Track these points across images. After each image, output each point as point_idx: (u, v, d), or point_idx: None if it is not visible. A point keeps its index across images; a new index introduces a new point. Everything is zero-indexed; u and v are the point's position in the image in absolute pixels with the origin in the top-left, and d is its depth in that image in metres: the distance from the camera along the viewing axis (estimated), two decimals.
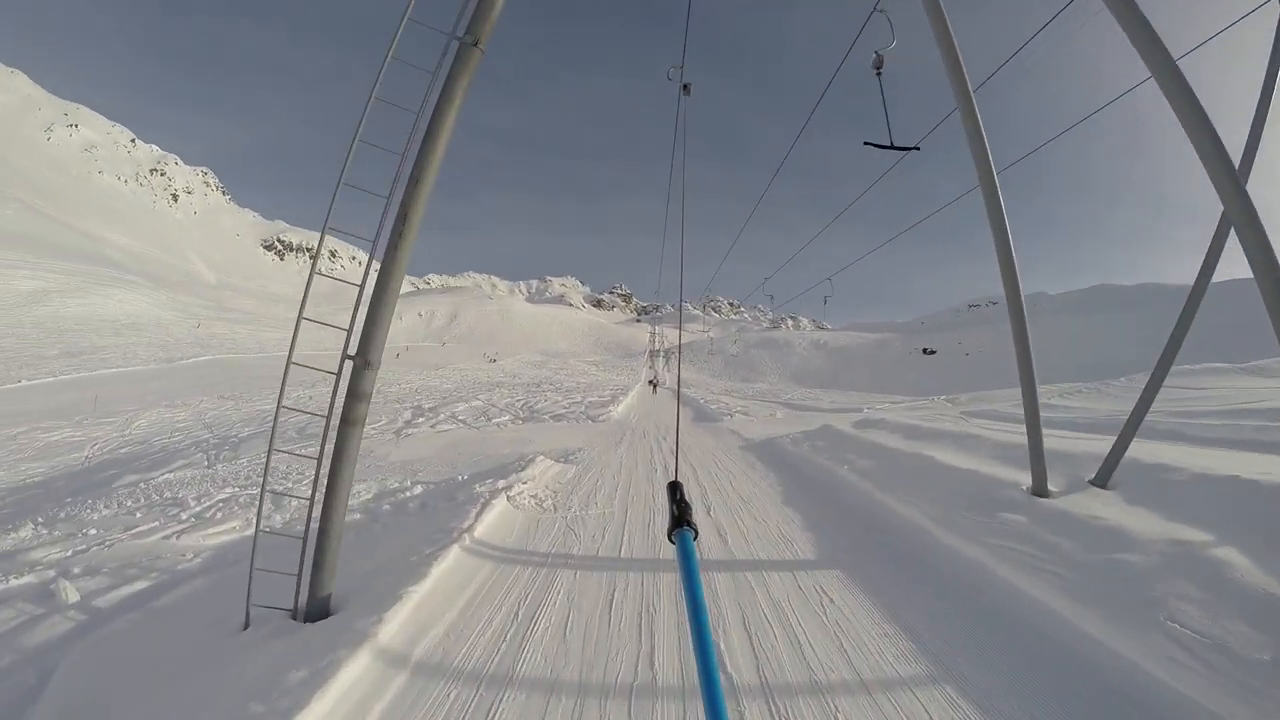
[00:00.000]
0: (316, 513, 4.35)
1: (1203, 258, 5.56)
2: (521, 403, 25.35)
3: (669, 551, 5.58)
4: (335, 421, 4.42)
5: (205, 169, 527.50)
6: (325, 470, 4.35)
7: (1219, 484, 5.16)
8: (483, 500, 7.03)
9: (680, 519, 1.64)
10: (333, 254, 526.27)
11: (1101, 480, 6.03)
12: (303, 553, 4.30)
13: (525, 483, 8.30)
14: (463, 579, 5.03)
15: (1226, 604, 3.65)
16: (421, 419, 18.23)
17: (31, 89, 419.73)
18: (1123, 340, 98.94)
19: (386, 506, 7.37)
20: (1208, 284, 5.63)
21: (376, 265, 4.53)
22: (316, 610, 4.27)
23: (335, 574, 4.37)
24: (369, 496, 7.92)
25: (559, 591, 4.86)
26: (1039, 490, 5.99)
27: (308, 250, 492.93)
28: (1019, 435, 9.19)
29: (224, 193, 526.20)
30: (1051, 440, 8.29)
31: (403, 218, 4.41)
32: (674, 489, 1.78)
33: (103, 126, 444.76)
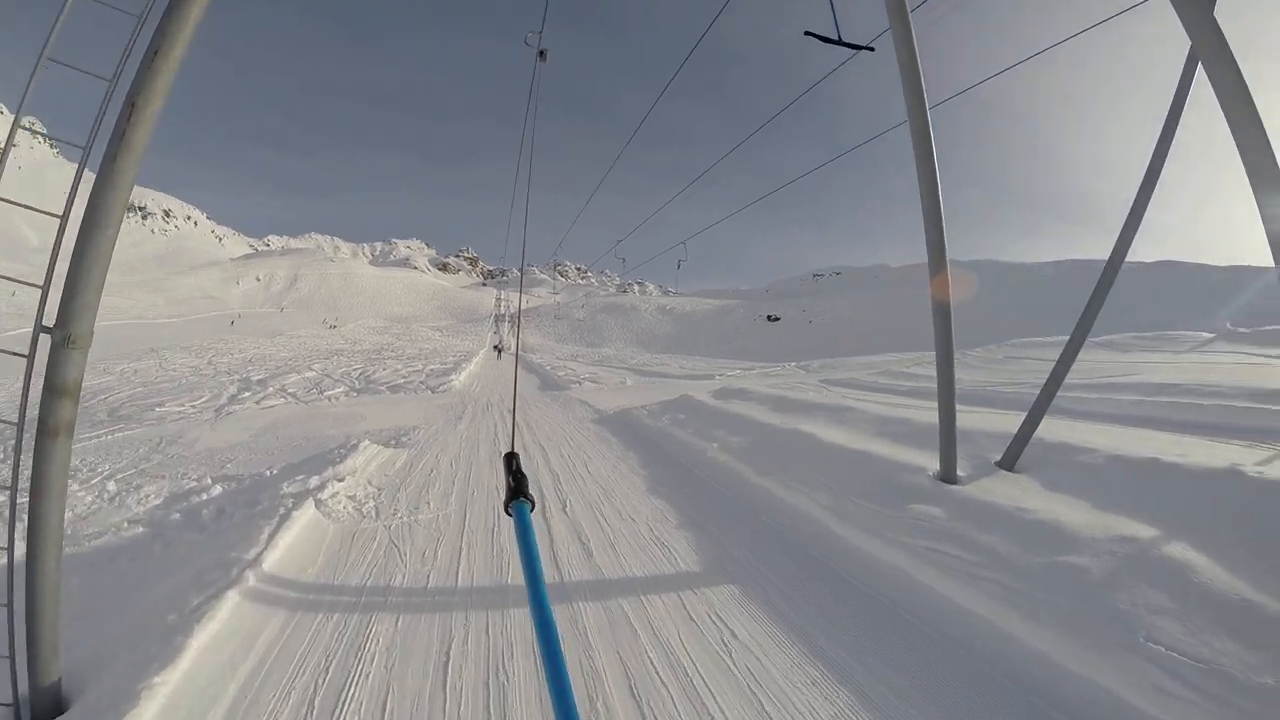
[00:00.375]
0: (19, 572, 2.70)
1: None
2: (359, 372, 23.23)
3: (519, 572, 4.41)
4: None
5: (32, 118, 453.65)
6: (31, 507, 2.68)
7: (1139, 467, 4.59)
8: (282, 512, 5.26)
9: (517, 490, 1.59)
10: (167, 213, 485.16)
11: (1009, 463, 5.32)
12: (10, 624, 2.69)
13: (343, 479, 6.61)
14: (236, 649, 3.33)
15: (1204, 616, 2.99)
16: (248, 394, 15.96)
17: None
18: (960, 312, 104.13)
19: (176, 515, 5.48)
20: (1121, 261, 5.06)
21: (89, 192, 2.82)
22: (44, 706, 2.79)
23: (59, 651, 2.81)
24: (158, 502, 5.96)
25: (373, 656, 3.33)
26: (947, 476, 5.14)
27: (140, 209, 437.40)
28: (898, 408, 8.63)
29: (52, 146, 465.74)
30: (928, 415, 7.69)
31: (131, 108, 2.80)
32: (510, 460, 1.73)
33: None
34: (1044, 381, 5.43)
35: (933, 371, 13.79)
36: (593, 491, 6.74)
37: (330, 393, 16.92)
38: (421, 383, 20.11)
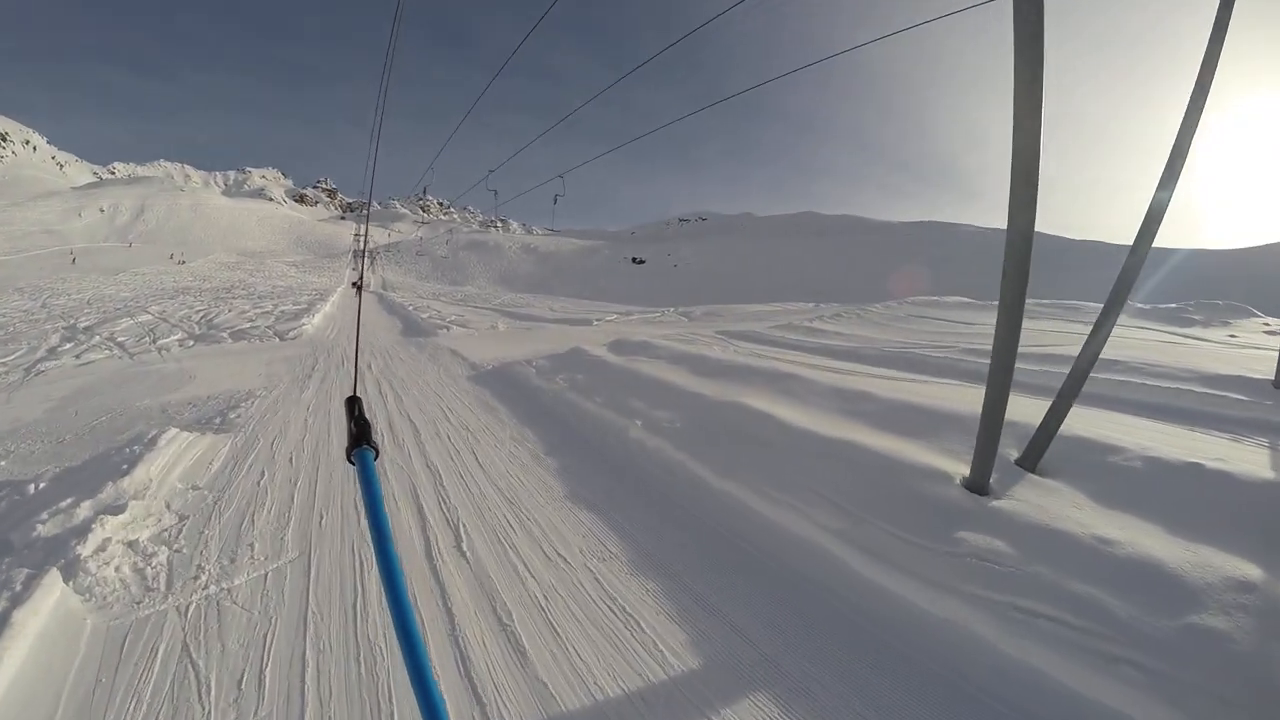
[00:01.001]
0: None
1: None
2: (201, 315, 20.22)
3: None
4: None
5: None
6: None
7: (1183, 474, 3.64)
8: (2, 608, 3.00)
9: (360, 437, 1.46)
10: (2, 137, 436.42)
11: (1031, 463, 4.10)
12: None
13: (123, 509, 4.28)
14: None
15: None
16: (69, 345, 13.58)
17: None
18: (825, 265, 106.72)
19: None
20: (1146, 250, 4.15)
21: None
22: None
23: None
24: None
25: None
26: (978, 485, 3.83)
27: None
28: (847, 377, 7.23)
29: None
30: (882, 385, 6.46)
31: None
32: (352, 404, 1.60)
33: None
34: (963, 347, 4.23)
35: (846, 328, 12.89)
36: (490, 494, 5.04)
37: (164, 341, 14.57)
38: (269, 327, 17.44)
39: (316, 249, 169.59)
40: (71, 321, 17.89)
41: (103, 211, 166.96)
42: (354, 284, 58.05)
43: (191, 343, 14.54)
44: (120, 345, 13.79)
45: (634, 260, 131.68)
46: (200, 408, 7.93)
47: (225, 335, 15.72)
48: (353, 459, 1.43)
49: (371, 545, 1.29)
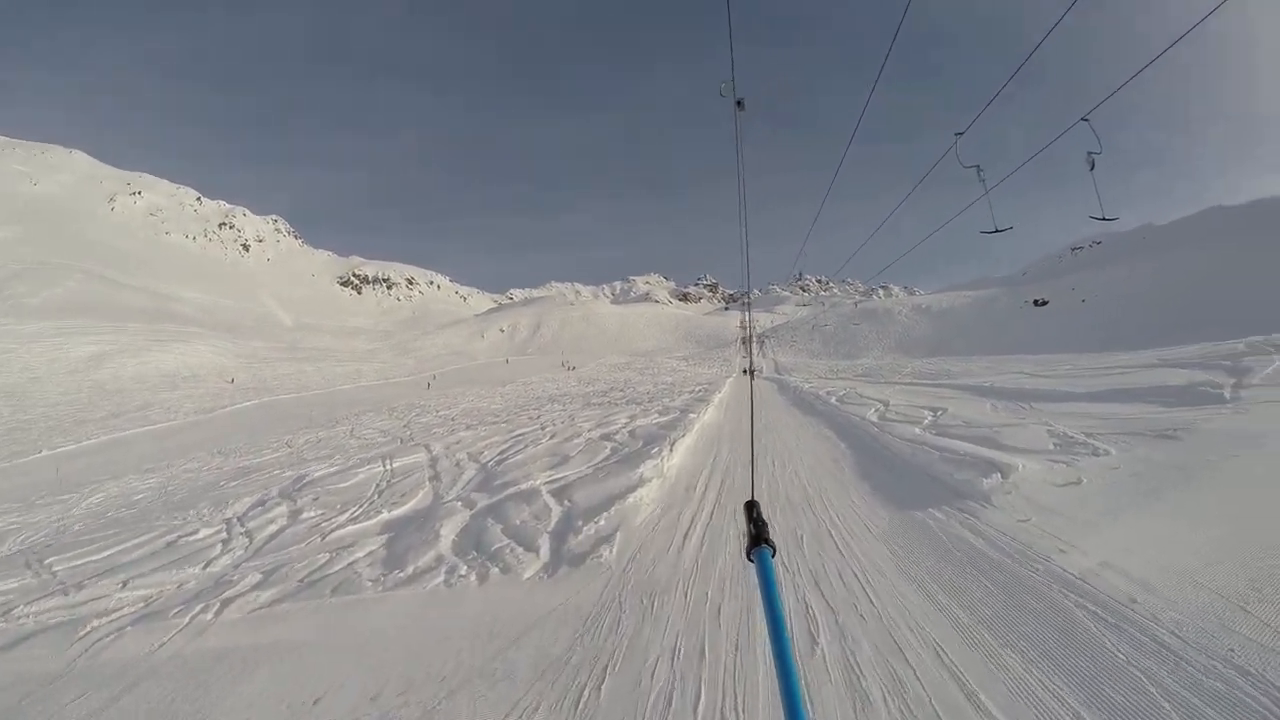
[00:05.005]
0: None
1: None
2: (556, 430, 15.39)
3: None
4: None
5: (275, 216, 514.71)
6: None
7: None
8: None
9: (758, 537, 1.59)
10: (409, 281, 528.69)
11: None
12: None
13: None
14: None
15: None
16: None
17: (92, 166, 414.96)
18: (1257, 274, 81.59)
19: None
20: None
21: None
22: None
23: None
24: None
25: None
26: None
27: (384, 281, 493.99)
28: None
29: (296, 237, 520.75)
30: None
31: None
32: (751, 508, 1.74)
33: (166, 190, 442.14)
34: None
35: None
36: None
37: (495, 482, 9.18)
38: (639, 440, 12.77)
39: (705, 341, 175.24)
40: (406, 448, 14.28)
41: (503, 331, 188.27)
42: (745, 370, 55.41)
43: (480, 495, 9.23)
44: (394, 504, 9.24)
45: (1036, 303, 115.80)
46: None
47: (575, 457, 10.63)
48: (751, 557, 1.55)
49: (769, 638, 1.27)
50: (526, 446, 12.78)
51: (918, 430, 11.03)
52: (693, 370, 70.91)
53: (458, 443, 14.32)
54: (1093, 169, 9.60)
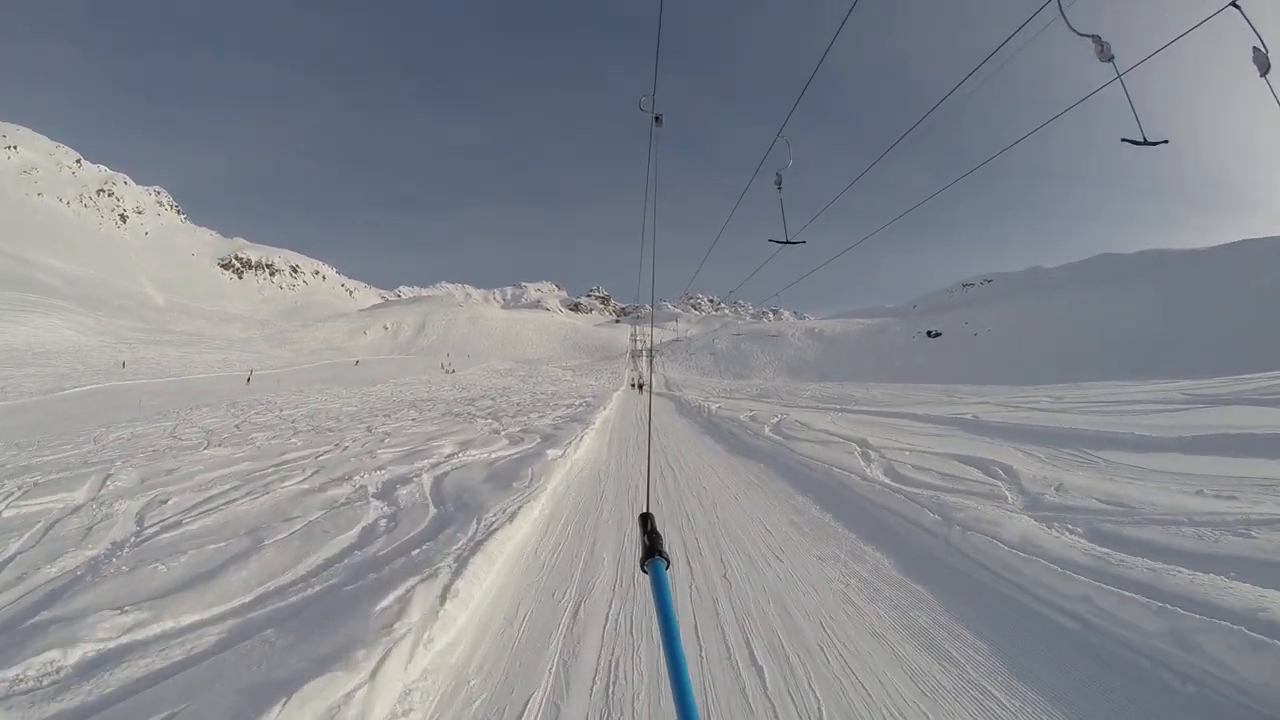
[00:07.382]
0: None
1: None
2: (337, 461, 10.05)
3: None
4: None
5: (158, 188, 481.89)
6: None
7: None
8: None
9: (652, 549, 1.62)
10: (294, 269, 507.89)
11: None
12: None
13: None
14: None
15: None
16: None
17: None
18: (1142, 314, 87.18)
19: None
20: None
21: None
22: None
23: None
24: None
25: None
26: None
27: (268, 267, 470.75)
28: None
29: (179, 212, 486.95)
30: None
31: None
32: (645, 520, 1.78)
33: (45, 146, 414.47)
34: None
35: None
36: None
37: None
38: (504, 463, 9.43)
39: (594, 353, 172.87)
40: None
41: (386, 329, 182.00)
42: (634, 384, 54.75)
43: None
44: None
45: (929, 334, 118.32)
46: None
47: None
48: (645, 568, 1.60)
49: (662, 648, 1.31)
50: (439, 442, 11.32)
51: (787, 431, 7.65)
52: (578, 381, 67.63)
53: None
54: None
